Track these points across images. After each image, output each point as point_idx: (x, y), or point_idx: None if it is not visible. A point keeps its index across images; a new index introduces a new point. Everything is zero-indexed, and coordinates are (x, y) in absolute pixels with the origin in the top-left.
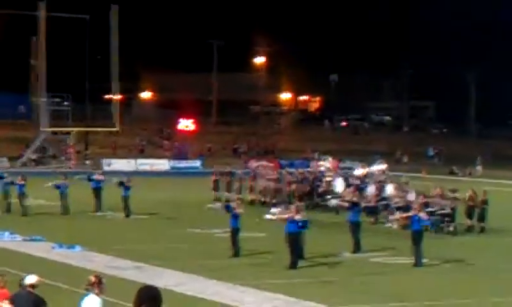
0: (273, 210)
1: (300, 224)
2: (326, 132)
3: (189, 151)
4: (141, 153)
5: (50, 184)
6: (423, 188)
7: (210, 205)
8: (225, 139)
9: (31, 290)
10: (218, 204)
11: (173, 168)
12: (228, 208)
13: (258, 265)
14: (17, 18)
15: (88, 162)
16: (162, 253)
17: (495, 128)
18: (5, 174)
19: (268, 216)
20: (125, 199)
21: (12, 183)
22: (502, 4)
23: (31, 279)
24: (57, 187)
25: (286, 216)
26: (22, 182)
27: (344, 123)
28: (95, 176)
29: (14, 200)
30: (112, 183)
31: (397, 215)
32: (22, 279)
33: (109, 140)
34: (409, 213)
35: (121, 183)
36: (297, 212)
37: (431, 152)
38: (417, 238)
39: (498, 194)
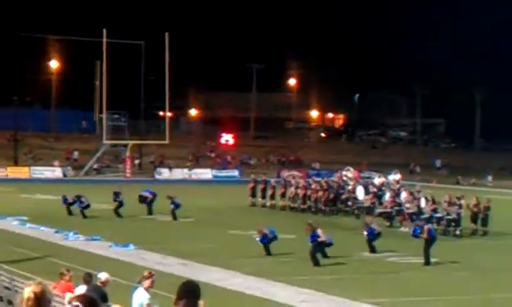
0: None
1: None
2: (348, 145)
3: (230, 162)
4: (197, 163)
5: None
6: (433, 195)
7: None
8: (261, 151)
9: (101, 286)
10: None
11: (215, 177)
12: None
13: (289, 263)
14: (84, 44)
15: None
16: (205, 252)
17: (498, 143)
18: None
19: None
20: (173, 210)
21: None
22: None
23: (102, 275)
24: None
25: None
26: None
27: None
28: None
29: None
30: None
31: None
32: (90, 275)
33: (159, 152)
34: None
35: (170, 198)
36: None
37: (438, 164)
38: (429, 241)
39: (502, 202)
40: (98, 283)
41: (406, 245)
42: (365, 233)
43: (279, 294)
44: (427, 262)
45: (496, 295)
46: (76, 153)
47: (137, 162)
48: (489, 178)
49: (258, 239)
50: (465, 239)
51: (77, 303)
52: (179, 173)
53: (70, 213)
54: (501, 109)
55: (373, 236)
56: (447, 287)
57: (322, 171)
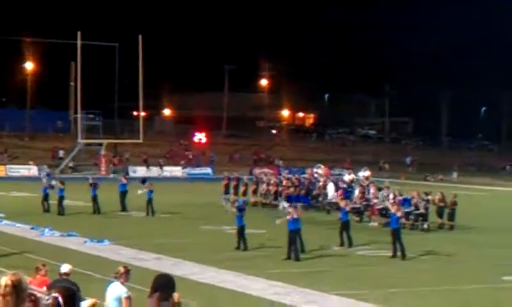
0: (284, 203)
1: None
2: (318, 143)
3: (202, 160)
4: (189, 162)
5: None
6: (401, 191)
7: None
8: (233, 150)
9: (65, 277)
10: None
11: (188, 174)
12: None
13: (261, 257)
14: (59, 46)
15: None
16: (179, 247)
17: (464, 141)
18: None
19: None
20: (149, 200)
21: (52, 187)
22: (467, 30)
23: (64, 268)
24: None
25: (289, 217)
26: (61, 186)
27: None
28: (122, 179)
29: (52, 201)
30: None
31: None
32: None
33: (135, 151)
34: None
35: (143, 181)
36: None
37: (408, 161)
38: (395, 234)
39: (468, 197)
40: (63, 276)
41: (375, 239)
42: None
43: (252, 287)
44: (401, 254)
45: (463, 287)
46: (61, 152)
47: (115, 160)
48: (455, 174)
49: (235, 206)
50: (433, 233)
51: (56, 294)
52: (153, 171)
53: (45, 209)
54: (466, 108)
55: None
56: (415, 279)
57: (293, 168)
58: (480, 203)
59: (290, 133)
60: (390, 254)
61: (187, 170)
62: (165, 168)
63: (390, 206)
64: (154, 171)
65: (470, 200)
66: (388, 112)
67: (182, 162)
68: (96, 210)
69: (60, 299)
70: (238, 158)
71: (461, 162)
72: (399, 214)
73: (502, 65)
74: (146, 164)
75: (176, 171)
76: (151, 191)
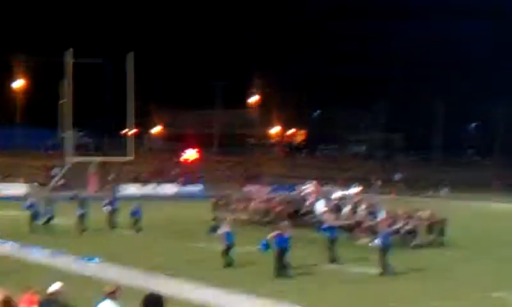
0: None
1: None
2: (309, 160)
3: (193, 178)
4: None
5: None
6: (392, 208)
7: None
8: (224, 167)
9: (55, 296)
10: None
11: (179, 192)
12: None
13: (251, 274)
14: (49, 64)
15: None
16: (168, 265)
17: (455, 156)
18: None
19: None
20: (138, 218)
21: (36, 214)
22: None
23: (54, 286)
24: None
25: (275, 233)
26: (49, 207)
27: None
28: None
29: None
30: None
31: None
32: (49, 287)
33: (125, 169)
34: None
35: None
36: (285, 230)
37: (397, 177)
38: (384, 251)
39: (458, 213)
40: (53, 295)
41: (365, 256)
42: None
43: (243, 305)
44: (387, 272)
45: (452, 302)
46: (56, 170)
47: (110, 178)
48: (446, 190)
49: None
50: (422, 249)
51: None
52: (140, 189)
53: (33, 229)
54: (458, 123)
55: None
56: (404, 296)
57: (284, 185)
58: (470, 219)
59: (281, 150)
60: (379, 271)
61: (178, 187)
62: (154, 186)
63: (378, 224)
64: (148, 189)
65: (460, 216)
66: (379, 128)
67: (180, 180)
68: (84, 228)
69: None
70: (229, 175)
71: (452, 178)
72: (387, 231)
73: (494, 78)
74: (142, 181)
75: (166, 188)
76: (138, 210)
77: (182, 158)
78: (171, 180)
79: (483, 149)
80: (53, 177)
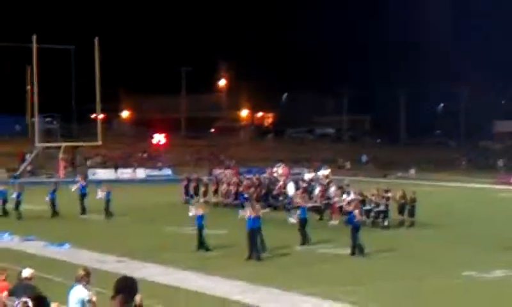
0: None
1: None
2: (277, 142)
3: (162, 162)
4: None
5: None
6: (362, 189)
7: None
8: (192, 151)
9: (27, 282)
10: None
11: (148, 176)
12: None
13: (223, 257)
14: (14, 50)
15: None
16: (140, 248)
17: (422, 137)
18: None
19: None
20: (107, 202)
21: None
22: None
23: (26, 272)
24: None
25: (247, 214)
26: (19, 191)
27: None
28: (79, 180)
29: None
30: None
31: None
32: (20, 273)
33: (93, 153)
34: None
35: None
36: (256, 211)
37: (364, 159)
38: (354, 231)
39: (426, 193)
40: (25, 281)
41: (336, 237)
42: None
43: (216, 287)
44: (358, 252)
45: (423, 281)
46: (29, 156)
47: (78, 164)
48: (413, 171)
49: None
50: (393, 230)
51: (26, 299)
52: (110, 174)
53: (4, 212)
54: (423, 105)
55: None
56: (375, 275)
57: (254, 168)
58: (438, 199)
59: (249, 133)
60: (349, 251)
61: (147, 172)
62: (126, 170)
63: (347, 205)
64: (117, 173)
65: (429, 196)
66: (346, 111)
67: (159, 164)
68: (55, 213)
69: (30, 304)
70: (197, 158)
71: (419, 159)
72: (356, 212)
73: (460, 61)
74: (115, 166)
75: (137, 173)
76: (109, 193)
77: (154, 141)
78: (140, 165)
79: (450, 130)
80: (22, 163)
